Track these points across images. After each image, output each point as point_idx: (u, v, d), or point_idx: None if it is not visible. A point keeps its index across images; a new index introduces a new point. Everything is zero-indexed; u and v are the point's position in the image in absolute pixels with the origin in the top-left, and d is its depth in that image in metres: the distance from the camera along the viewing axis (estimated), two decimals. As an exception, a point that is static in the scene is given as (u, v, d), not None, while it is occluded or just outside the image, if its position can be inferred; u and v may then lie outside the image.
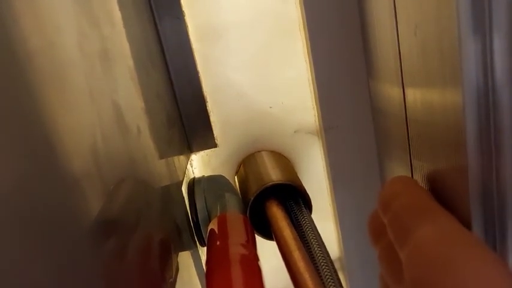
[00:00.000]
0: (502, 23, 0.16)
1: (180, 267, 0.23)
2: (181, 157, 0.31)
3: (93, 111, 0.15)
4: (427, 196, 0.19)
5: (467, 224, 0.20)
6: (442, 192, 0.22)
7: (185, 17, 0.33)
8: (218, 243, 0.22)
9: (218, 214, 0.27)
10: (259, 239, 0.29)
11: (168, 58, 0.33)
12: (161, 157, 0.24)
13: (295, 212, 0.28)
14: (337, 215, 0.38)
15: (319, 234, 0.25)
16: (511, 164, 0.18)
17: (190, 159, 0.36)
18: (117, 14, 0.21)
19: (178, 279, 0.22)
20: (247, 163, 0.36)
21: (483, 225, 0.19)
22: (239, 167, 0.37)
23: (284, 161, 0.36)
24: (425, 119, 0.22)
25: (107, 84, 0.17)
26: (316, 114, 0.36)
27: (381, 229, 0.21)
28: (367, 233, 0.23)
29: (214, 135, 0.36)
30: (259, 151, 0.37)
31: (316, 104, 0.35)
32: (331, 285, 0.20)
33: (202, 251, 0.32)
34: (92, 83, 0.15)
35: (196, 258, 0.31)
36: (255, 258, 0.21)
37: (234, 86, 0.35)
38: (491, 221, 0.19)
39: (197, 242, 0.30)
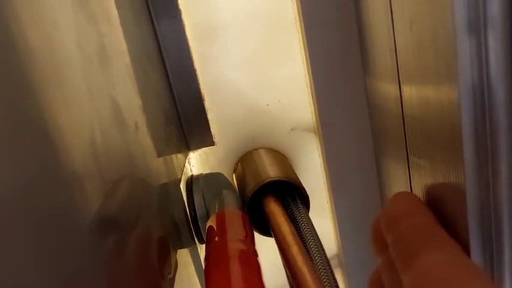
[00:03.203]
0: (496, 19, 0.17)
1: (178, 264, 0.24)
2: (179, 155, 0.32)
3: (92, 108, 0.15)
4: (431, 219, 0.20)
5: (463, 217, 0.20)
6: (439, 188, 0.22)
7: (182, 16, 0.33)
8: (217, 239, 0.22)
9: (216, 211, 0.27)
10: (257, 236, 0.29)
11: (166, 56, 0.33)
12: (159, 155, 0.24)
13: (292, 209, 0.28)
14: (334, 212, 0.38)
15: (314, 230, 0.25)
16: (506, 159, 0.18)
17: (188, 157, 0.36)
18: (114, 12, 0.21)
19: (177, 276, 0.22)
20: (244, 160, 0.36)
21: (479, 220, 0.20)
22: (237, 164, 0.37)
23: (281, 158, 0.36)
24: (422, 115, 0.22)
25: (105, 81, 0.17)
26: (313, 112, 0.36)
27: (383, 242, 0.21)
28: (370, 243, 0.23)
29: (212, 133, 0.36)
30: (256, 149, 0.37)
31: (313, 102, 0.36)
32: (325, 280, 0.20)
33: (201, 248, 0.32)
34: (91, 79, 0.15)
35: (195, 255, 0.31)
36: (254, 253, 0.21)
37: (231, 84, 0.36)
38: (487, 217, 0.19)
39: (196, 239, 0.31)
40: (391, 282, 0.20)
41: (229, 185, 0.32)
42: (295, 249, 0.22)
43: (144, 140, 0.21)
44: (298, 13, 0.33)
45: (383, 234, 0.20)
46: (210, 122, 0.36)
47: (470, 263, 0.16)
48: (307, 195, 0.30)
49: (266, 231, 0.30)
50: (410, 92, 0.23)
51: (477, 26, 0.17)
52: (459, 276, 0.15)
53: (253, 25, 0.34)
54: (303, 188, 0.30)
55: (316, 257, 0.23)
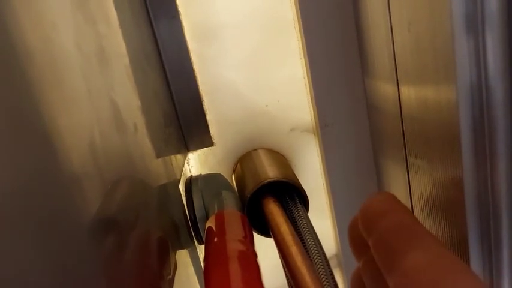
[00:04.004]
0: (494, 20, 0.17)
1: (178, 264, 0.24)
2: (179, 156, 0.32)
3: (91, 109, 0.15)
4: (410, 217, 0.19)
5: (462, 218, 0.20)
6: (437, 189, 0.22)
7: (181, 17, 0.33)
8: (216, 240, 0.22)
9: (216, 212, 0.27)
10: (257, 237, 0.29)
11: (164, 57, 0.33)
12: (158, 156, 0.24)
13: (291, 209, 0.28)
14: (333, 212, 0.38)
15: (314, 230, 0.25)
16: (504, 159, 0.18)
17: (187, 158, 0.36)
18: (113, 13, 0.21)
19: (176, 277, 0.22)
20: (244, 161, 0.36)
21: (478, 220, 0.20)
22: (236, 165, 0.37)
23: (281, 159, 0.36)
24: (420, 115, 0.22)
25: (104, 82, 0.17)
26: (312, 112, 0.36)
27: (362, 242, 0.20)
28: (349, 245, 0.22)
29: (211, 134, 0.36)
30: (255, 149, 0.37)
31: (311, 102, 0.36)
32: (324, 280, 0.20)
33: (200, 249, 0.32)
34: (90, 80, 0.15)
35: (194, 256, 0.31)
36: (253, 254, 0.21)
37: (230, 85, 0.36)
38: (486, 216, 0.20)
39: (195, 240, 0.31)
40: (375, 284, 0.20)
41: (228, 186, 0.32)
42: (294, 249, 0.22)
43: (143, 141, 0.22)
44: (297, 14, 0.33)
45: (362, 235, 0.20)
46: (209, 123, 0.36)
47: (455, 260, 0.16)
48: (306, 196, 0.30)
49: (265, 232, 0.30)
50: (408, 92, 0.23)
51: (475, 26, 0.17)
52: (446, 274, 0.15)
53: (252, 26, 0.34)
54: (302, 188, 0.30)
55: (316, 257, 0.23)
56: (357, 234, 0.21)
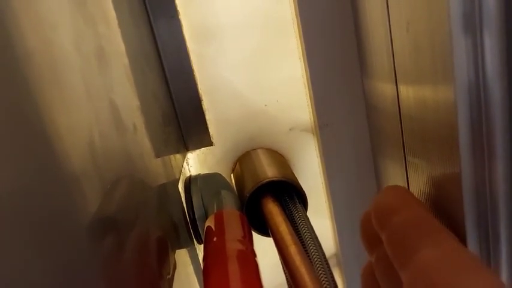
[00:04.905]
0: (492, 20, 0.17)
1: (177, 264, 0.24)
2: (178, 155, 0.32)
3: (90, 109, 0.15)
4: (424, 211, 0.19)
5: (460, 217, 0.20)
6: (436, 188, 0.22)
7: (180, 17, 0.33)
8: (215, 239, 0.22)
9: (215, 211, 0.27)
10: (256, 236, 0.29)
11: (164, 57, 0.33)
12: (158, 156, 0.24)
13: (290, 208, 0.28)
14: (332, 212, 0.38)
15: (313, 230, 0.25)
16: (502, 158, 0.18)
17: (186, 158, 0.36)
18: (112, 13, 0.21)
19: (175, 276, 0.22)
20: (243, 161, 0.36)
21: (476, 220, 0.20)
22: (235, 164, 0.37)
23: (279, 159, 0.36)
24: (419, 115, 0.22)
25: (103, 83, 0.17)
26: (311, 112, 0.36)
27: (375, 237, 0.20)
28: (361, 239, 0.22)
29: (210, 134, 0.36)
30: (254, 149, 0.37)
31: (310, 102, 0.36)
32: (323, 279, 0.20)
33: (200, 249, 0.33)
34: (89, 81, 0.15)
35: (194, 255, 0.31)
36: (252, 253, 0.21)
37: (229, 85, 0.36)
38: (484, 215, 0.20)
39: (194, 240, 0.31)
40: (388, 279, 0.20)
41: (227, 186, 0.32)
42: (293, 249, 0.22)
43: (143, 141, 0.22)
44: (296, 14, 0.33)
45: (374, 229, 0.20)
46: (208, 123, 0.36)
47: (469, 255, 0.16)
48: (305, 195, 0.30)
49: (264, 231, 0.30)
50: (407, 92, 0.23)
51: (473, 25, 0.17)
52: (460, 270, 0.15)
53: (251, 26, 0.34)
54: (301, 187, 0.30)
55: (315, 257, 0.23)
56: (370, 229, 0.21)
